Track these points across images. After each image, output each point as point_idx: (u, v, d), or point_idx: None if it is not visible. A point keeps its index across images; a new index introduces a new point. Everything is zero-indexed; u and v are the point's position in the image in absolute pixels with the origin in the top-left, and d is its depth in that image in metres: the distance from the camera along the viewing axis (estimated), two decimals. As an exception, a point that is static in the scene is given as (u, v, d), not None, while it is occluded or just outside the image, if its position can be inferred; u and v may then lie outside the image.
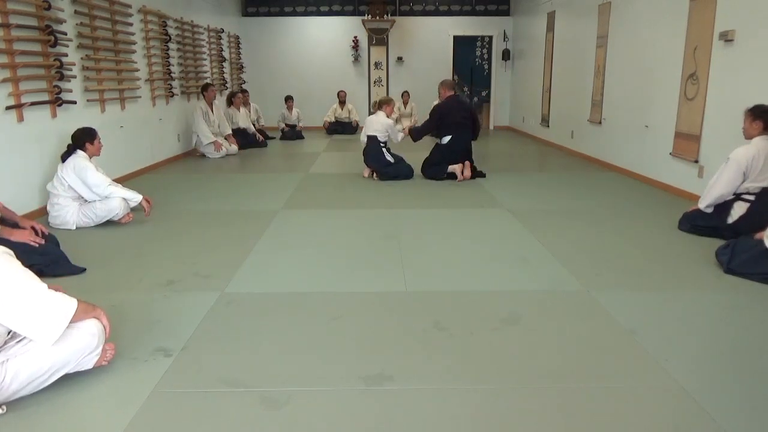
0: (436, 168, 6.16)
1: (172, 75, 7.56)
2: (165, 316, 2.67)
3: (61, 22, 4.98)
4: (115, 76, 6.05)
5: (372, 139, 6.15)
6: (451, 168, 6.09)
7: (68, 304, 1.95)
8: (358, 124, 10.67)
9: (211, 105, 7.98)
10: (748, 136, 3.80)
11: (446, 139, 6.17)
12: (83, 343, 2.01)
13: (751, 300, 2.87)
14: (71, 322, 1.95)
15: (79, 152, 4.21)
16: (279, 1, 11.69)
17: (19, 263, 1.93)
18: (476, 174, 6.23)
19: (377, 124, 6.15)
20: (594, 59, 7.29)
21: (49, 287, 1.93)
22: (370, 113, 6.52)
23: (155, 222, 4.38)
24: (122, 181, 5.62)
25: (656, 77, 5.76)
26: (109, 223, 4.25)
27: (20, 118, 4.43)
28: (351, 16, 11.72)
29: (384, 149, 6.17)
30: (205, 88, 7.98)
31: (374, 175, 6.21)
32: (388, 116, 6.22)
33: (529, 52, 10.55)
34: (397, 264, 3.40)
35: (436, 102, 10.13)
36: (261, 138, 9.21)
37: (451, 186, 5.84)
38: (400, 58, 11.91)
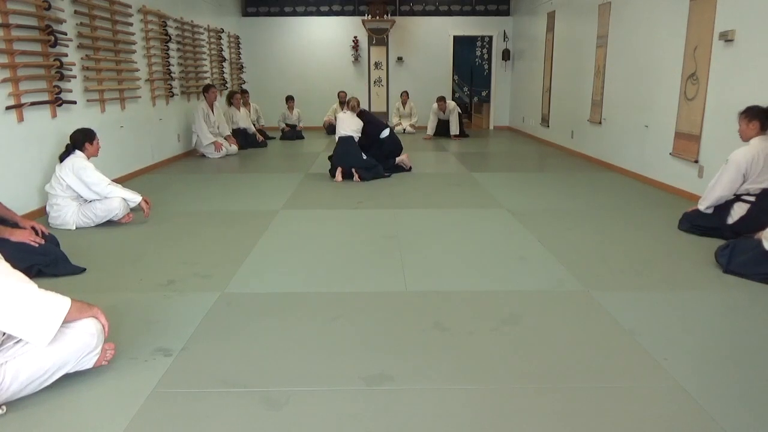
0: (384, 163, 6.40)
1: (172, 75, 7.56)
2: (165, 316, 2.67)
3: (61, 22, 4.98)
4: (115, 76, 6.05)
5: (347, 140, 6.12)
6: (398, 160, 6.49)
7: (60, 303, 1.91)
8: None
9: (212, 106, 7.98)
10: (746, 138, 3.79)
11: (386, 132, 6.53)
12: (82, 342, 2.00)
13: (751, 300, 2.87)
14: (66, 321, 1.92)
15: (78, 152, 4.21)
16: (279, 1, 11.69)
17: (7, 265, 1.88)
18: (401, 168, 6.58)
19: (353, 125, 6.18)
20: (594, 59, 7.29)
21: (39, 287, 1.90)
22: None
23: (155, 222, 4.38)
24: (122, 181, 5.62)
25: (656, 77, 5.76)
26: (109, 223, 4.25)
27: (20, 118, 4.43)
28: (351, 16, 11.72)
29: (360, 149, 6.19)
30: (207, 89, 7.98)
31: (355, 176, 6.07)
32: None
33: (529, 52, 10.55)
34: (397, 264, 3.40)
35: (438, 104, 10.13)
36: (261, 138, 9.22)
37: (451, 186, 5.84)
38: (400, 58, 11.91)
